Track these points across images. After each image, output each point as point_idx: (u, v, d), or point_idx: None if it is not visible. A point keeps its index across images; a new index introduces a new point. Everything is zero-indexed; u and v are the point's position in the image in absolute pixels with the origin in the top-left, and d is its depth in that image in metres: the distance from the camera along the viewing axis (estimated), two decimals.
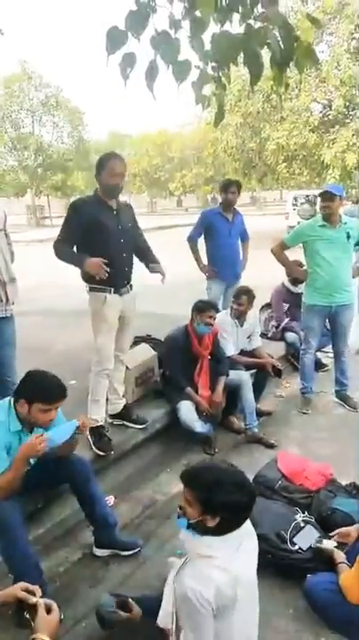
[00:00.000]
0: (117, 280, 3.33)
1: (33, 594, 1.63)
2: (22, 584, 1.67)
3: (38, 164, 35.35)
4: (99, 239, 3.23)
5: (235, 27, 2.61)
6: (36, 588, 1.64)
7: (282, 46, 2.48)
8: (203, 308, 3.89)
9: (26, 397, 2.40)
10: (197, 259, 5.19)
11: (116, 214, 3.34)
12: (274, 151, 18.08)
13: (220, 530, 1.73)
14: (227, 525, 1.73)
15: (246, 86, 17.41)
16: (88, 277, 3.29)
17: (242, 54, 2.51)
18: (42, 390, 2.39)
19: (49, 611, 1.61)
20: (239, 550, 1.76)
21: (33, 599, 1.60)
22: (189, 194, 46.69)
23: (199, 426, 3.72)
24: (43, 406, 2.37)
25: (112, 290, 3.31)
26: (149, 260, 3.62)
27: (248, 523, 1.83)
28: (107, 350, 3.40)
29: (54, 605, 1.63)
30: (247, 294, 4.29)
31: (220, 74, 3.44)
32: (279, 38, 2.43)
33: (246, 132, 19.39)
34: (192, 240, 5.12)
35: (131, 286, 3.49)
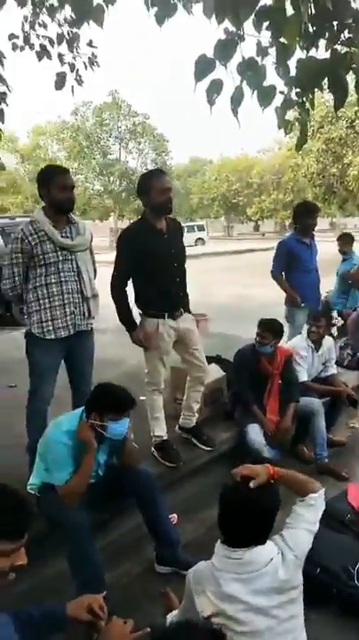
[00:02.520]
0: (171, 307, 3.35)
1: (99, 616, 1.65)
2: (90, 599, 1.69)
3: (122, 189, 36.88)
4: (152, 266, 3.25)
5: (321, 52, 2.64)
6: (104, 608, 1.67)
7: None
8: (259, 326, 3.86)
9: (97, 411, 2.48)
10: (287, 289, 4.91)
11: (167, 237, 3.34)
12: (356, 177, 17.73)
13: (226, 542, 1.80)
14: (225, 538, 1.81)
15: (330, 112, 17.31)
16: (140, 302, 3.37)
17: (326, 79, 2.53)
18: (112, 400, 2.48)
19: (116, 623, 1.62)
20: (243, 576, 1.73)
21: (101, 623, 1.63)
22: (267, 219, 46.62)
23: (267, 450, 3.64)
24: (114, 416, 2.45)
25: (166, 315, 3.34)
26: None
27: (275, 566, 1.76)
28: (158, 374, 3.47)
29: (123, 625, 1.63)
30: (326, 317, 4.18)
31: (304, 99, 3.45)
32: None
33: (328, 158, 19.20)
34: (277, 274, 4.95)
35: (186, 310, 3.50)
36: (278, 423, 3.81)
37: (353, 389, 4.56)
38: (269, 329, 3.85)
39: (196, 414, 3.74)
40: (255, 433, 3.69)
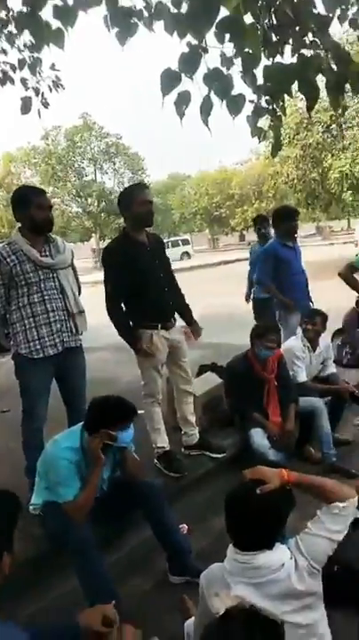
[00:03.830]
0: (162, 317, 3.39)
1: (110, 625, 1.67)
2: (103, 609, 1.71)
3: (101, 210, 37.08)
4: (139, 279, 3.28)
5: (287, 57, 2.70)
6: (116, 617, 1.68)
7: (336, 70, 2.52)
8: (263, 333, 3.81)
9: (105, 426, 2.47)
10: (280, 297, 4.84)
11: (149, 250, 3.39)
12: (337, 180, 17.93)
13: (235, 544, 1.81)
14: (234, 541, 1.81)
15: (304, 119, 17.57)
16: (132, 316, 3.39)
17: (295, 84, 2.59)
18: (117, 412, 2.50)
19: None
20: (254, 580, 1.71)
21: (112, 631, 1.65)
22: (251, 228, 46.84)
23: (272, 454, 3.62)
24: (122, 424, 2.47)
25: (159, 326, 3.37)
26: (183, 311, 3.66)
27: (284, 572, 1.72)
28: (154, 385, 3.49)
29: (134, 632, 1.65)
30: (321, 315, 4.18)
31: (274, 106, 3.52)
32: (332, 63, 2.48)
33: (307, 164, 19.39)
34: (267, 283, 4.94)
35: (175, 320, 3.54)
36: (281, 425, 3.81)
37: (355, 387, 4.55)
38: (278, 332, 3.91)
39: (196, 426, 3.74)
40: (259, 437, 3.68)
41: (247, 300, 6.52)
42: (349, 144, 17.49)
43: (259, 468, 1.87)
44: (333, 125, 17.65)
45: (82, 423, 2.61)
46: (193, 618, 2.05)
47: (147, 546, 2.91)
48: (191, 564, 2.72)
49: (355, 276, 4.42)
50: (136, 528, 2.94)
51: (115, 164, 37.91)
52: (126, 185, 37.49)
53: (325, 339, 4.46)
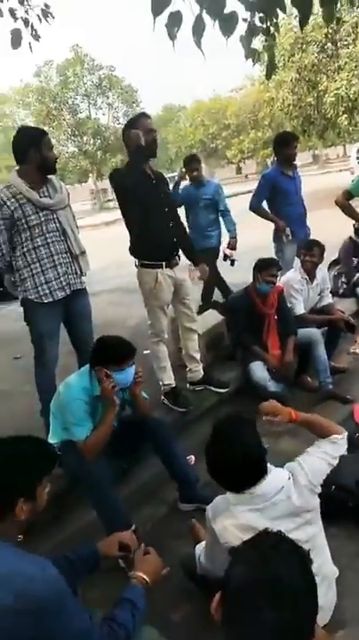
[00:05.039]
0: (167, 253, 3.35)
1: (128, 549, 1.77)
2: (119, 536, 1.81)
3: (97, 148, 35.86)
4: (143, 211, 3.22)
5: None
6: (132, 539, 1.77)
7: None
8: (265, 266, 3.82)
9: (101, 363, 2.54)
10: (273, 219, 4.76)
11: (154, 183, 3.32)
12: (333, 103, 17.21)
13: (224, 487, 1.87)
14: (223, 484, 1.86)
15: (299, 38, 16.66)
16: (137, 253, 3.34)
17: None
18: (112, 352, 2.54)
19: (146, 554, 1.74)
20: (258, 506, 1.79)
21: (130, 555, 1.75)
22: (248, 160, 45.64)
23: (272, 385, 3.72)
24: (117, 366, 2.50)
25: (164, 264, 3.34)
26: (187, 248, 3.62)
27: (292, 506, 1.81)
28: (160, 324, 3.51)
29: (151, 550, 1.75)
30: (318, 246, 4.15)
31: (269, 24, 3.33)
32: None
33: (302, 88, 18.54)
34: (257, 206, 4.79)
35: (179, 257, 3.51)
36: (281, 357, 3.87)
37: (350, 316, 4.60)
38: (278, 267, 3.91)
39: (201, 362, 3.81)
40: (259, 370, 3.77)
41: None
42: (345, 64, 16.64)
43: (273, 403, 2.06)
44: (328, 44, 16.76)
45: (87, 365, 2.67)
46: (203, 542, 2.16)
47: (158, 478, 3.03)
48: (199, 492, 2.84)
49: (352, 203, 4.32)
50: (147, 462, 3.05)
51: (108, 97, 36.20)
52: (121, 120, 36.27)
53: (322, 269, 4.46)
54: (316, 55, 17.21)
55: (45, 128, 32.97)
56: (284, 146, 4.75)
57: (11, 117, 36.96)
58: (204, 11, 2.32)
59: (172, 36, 2.34)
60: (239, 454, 1.76)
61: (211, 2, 2.33)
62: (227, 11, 2.35)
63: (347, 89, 16.48)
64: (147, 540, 2.66)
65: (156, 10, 2.25)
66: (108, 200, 39.44)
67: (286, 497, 1.81)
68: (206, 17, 2.33)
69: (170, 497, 3.00)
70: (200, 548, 2.16)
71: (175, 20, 2.31)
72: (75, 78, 34.36)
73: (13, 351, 5.40)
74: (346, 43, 16.40)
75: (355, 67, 16.29)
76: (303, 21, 2.45)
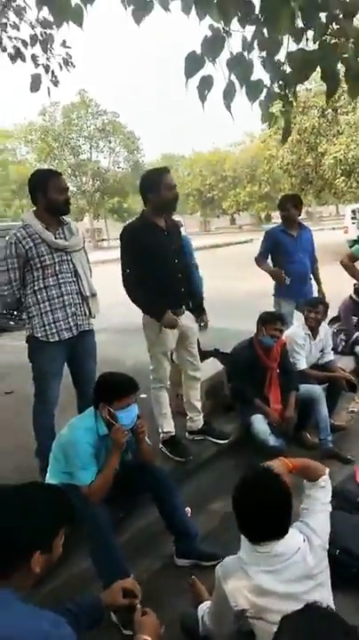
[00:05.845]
0: (174, 303, 3.37)
1: (134, 595, 1.71)
2: (122, 583, 1.75)
3: (96, 189, 36.76)
4: (154, 264, 3.26)
5: (307, 44, 2.67)
6: (136, 587, 1.71)
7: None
8: (269, 320, 3.85)
9: (104, 399, 2.52)
10: (271, 270, 4.89)
11: (168, 235, 3.37)
12: (331, 165, 17.85)
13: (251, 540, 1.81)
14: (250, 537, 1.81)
15: (300, 103, 17.40)
16: (143, 299, 3.36)
17: (315, 71, 2.57)
18: (115, 387, 2.53)
19: (144, 614, 1.68)
20: (274, 567, 1.76)
21: (135, 601, 1.68)
22: (243, 212, 46.81)
23: (272, 440, 3.68)
24: (120, 403, 2.49)
25: (169, 312, 3.35)
26: (197, 301, 3.68)
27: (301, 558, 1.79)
28: (163, 370, 3.51)
29: (149, 610, 1.69)
30: (323, 303, 4.23)
31: (287, 91, 3.49)
32: (355, 52, 2.46)
33: (302, 149, 19.27)
34: (260, 262, 4.95)
35: (187, 305, 3.54)
36: (282, 412, 3.86)
37: (350, 374, 4.63)
38: (283, 322, 3.95)
39: (201, 412, 3.78)
40: (260, 423, 3.73)
41: None
42: (344, 129, 17.38)
43: (269, 463, 1.99)
44: (329, 110, 17.53)
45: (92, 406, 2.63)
46: (206, 602, 2.09)
47: (152, 529, 2.95)
48: (197, 547, 2.77)
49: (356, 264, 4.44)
50: (143, 511, 2.97)
51: (110, 142, 37.44)
52: (122, 164, 37.28)
53: (325, 326, 4.52)
54: (317, 119, 17.96)
55: (46, 166, 34.07)
56: (287, 207, 4.92)
57: (12, 152, 37.85)
58: (234, 76, 2.43)
59: (203, 98, 2.44)
60: (274, 501, 1.76)
61: (240, 68, 2.45)
62: (253, 78, 2.47)
63: (345, 153, 17.14)
64: (143, 594, 2.59)
65: (190, 72, 2.35)
66: (102, 239, 40.07)
67: (302, 559, 1.78)
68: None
69: (164, 550, 2.91)
70: (203, 608, 2.09)
71: (206, 84, 2.42)
72: (79, 121, 35.63)
73: (4, 386, 5.31)
74: (345, 110, 17.15)
75: (354, 132, 17.00)
76: (329, 94, 2.58)
